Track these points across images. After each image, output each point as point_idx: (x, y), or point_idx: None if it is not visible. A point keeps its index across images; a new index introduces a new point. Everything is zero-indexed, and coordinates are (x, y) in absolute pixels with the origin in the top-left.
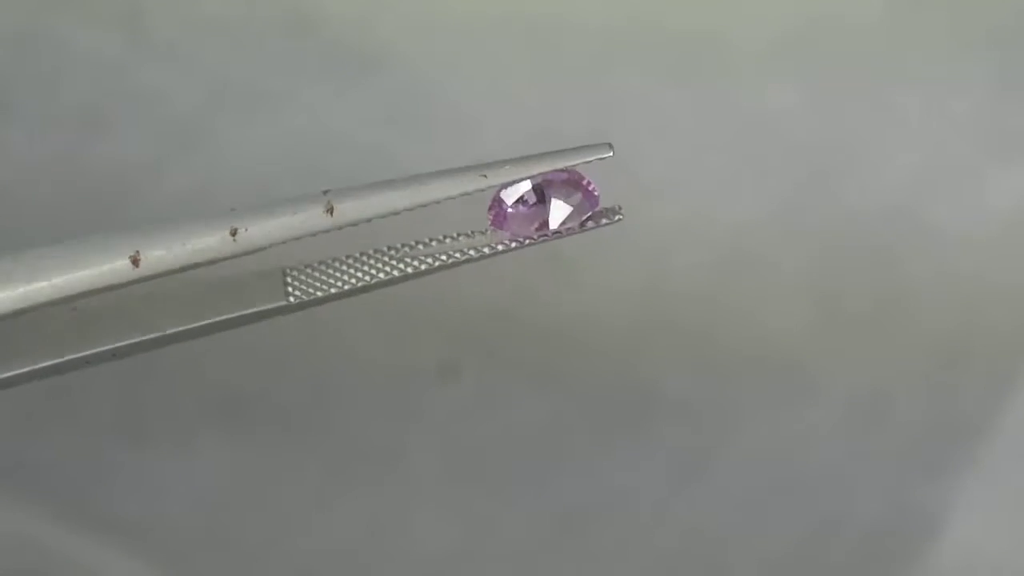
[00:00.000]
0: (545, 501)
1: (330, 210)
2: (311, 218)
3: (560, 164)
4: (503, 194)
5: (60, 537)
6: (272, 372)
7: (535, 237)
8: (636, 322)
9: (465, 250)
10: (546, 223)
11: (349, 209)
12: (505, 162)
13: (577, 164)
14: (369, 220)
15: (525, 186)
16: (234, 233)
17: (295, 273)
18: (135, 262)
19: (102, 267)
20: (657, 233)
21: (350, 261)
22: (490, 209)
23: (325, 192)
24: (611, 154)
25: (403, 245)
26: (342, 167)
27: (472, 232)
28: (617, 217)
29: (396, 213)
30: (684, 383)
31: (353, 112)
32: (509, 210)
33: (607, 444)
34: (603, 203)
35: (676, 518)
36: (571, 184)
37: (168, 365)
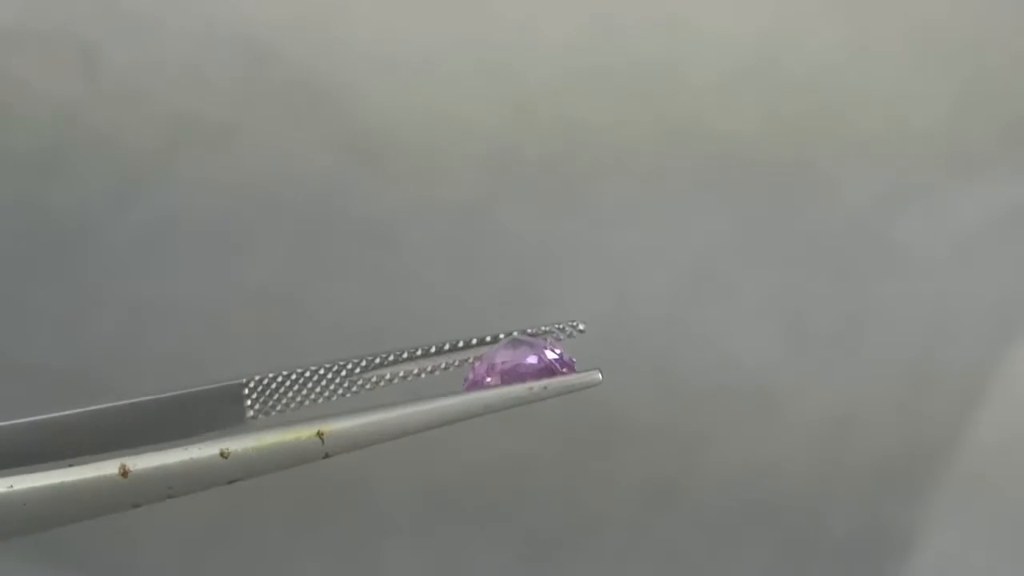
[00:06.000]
0: (516, 529)
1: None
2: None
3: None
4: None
5: None
6: None
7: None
8: (600, 350)
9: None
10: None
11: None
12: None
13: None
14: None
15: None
16: (124, 472)
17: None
18: None
19: None
20: (619, 260)
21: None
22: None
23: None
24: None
25: None
26: (300, 202)
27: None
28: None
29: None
30: (651, 410)
31: (311, 147)
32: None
33: (575, 472)
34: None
35: (649, 543)
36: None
37: None
